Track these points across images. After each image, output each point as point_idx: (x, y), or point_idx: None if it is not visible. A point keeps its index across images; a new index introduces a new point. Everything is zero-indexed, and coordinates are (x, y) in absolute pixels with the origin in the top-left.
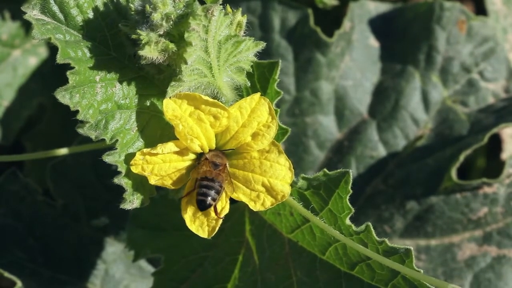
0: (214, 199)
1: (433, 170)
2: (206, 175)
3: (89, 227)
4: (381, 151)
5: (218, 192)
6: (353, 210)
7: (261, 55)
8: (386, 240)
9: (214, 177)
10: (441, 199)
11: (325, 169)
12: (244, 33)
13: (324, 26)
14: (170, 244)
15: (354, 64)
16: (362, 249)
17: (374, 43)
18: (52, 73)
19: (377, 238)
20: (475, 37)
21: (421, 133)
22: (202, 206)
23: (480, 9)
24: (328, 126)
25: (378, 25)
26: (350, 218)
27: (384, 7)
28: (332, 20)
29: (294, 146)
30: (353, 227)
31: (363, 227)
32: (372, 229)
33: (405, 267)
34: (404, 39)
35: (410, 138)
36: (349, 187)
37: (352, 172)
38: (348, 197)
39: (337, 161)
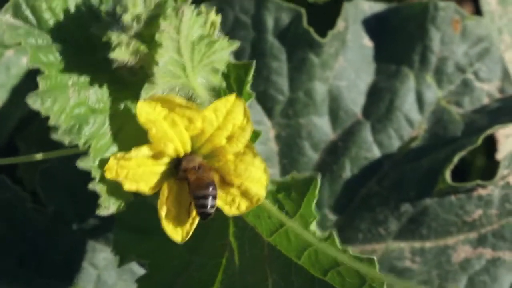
0: (213, 206)
1: (427, 171)
2: (197, 184)
3: (80, 233)
4: (376, 152)
5: (215, 196)
6: (317, 217)
7: (254, 55)
8: (349, 248)
9: (204, 180)
10: (435, 201)
11: (293, 173)
12: (226, 33)
13: (318, 26)
14: (154, 248)
15: (348, 64)
16: (331, 251)
17: (368, 43)
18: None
19: (340, 246)
20: (470, 37)
21: (415, 134)
22: (204, 216)
23: (480, 10)
24: (322, 127)
25: (373, 25)
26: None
27: (378, 7)
28: (326, 20)
29: (288, 147)
30: (318, 234)
31: (326, 234)
32: (336, 237)
33: (370, 269)
34: (399, 39)
35: (404, 139)
36: (317, 192)
37: (346, 174)
38: (314, 202)
39: (331, 163)
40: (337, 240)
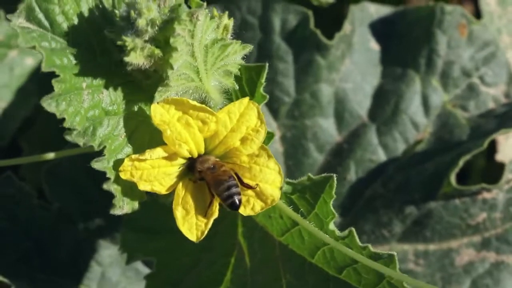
0: (239, 193)
1: (432, 175)
2: (216, 180)
3: (85, 230)
4: (381, 155)
5: (237, 184)
6: (336, 215)
7: (261, 56)
8: (369, 245)
9: (222, 175)
10: (440, 204)
11: (309, 174)
12: (233, 34)
13: (325, 28)
14: (163, 247)
15: (354, 67)
16: (348, 252)
17: (374, 46)
18: (49, 73)
19: (360, 244)
20: (476, 42)
21: (420, 137)
22: (236, 207)
23: (480, 10)
24: (327, 129)
25: (379, 28)
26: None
27: (385, 10)
28: (333, 22)
29: (294, 148)
30: (337, 232)
31: (346, 232)
32: (355, 235)
33: (390, 269)
34: (405, 43)
35: (409, 142)
36: (333, 191)
37: (351, 176)
38: (332, 202)
39: (336, 164)
40: (356, 237)
